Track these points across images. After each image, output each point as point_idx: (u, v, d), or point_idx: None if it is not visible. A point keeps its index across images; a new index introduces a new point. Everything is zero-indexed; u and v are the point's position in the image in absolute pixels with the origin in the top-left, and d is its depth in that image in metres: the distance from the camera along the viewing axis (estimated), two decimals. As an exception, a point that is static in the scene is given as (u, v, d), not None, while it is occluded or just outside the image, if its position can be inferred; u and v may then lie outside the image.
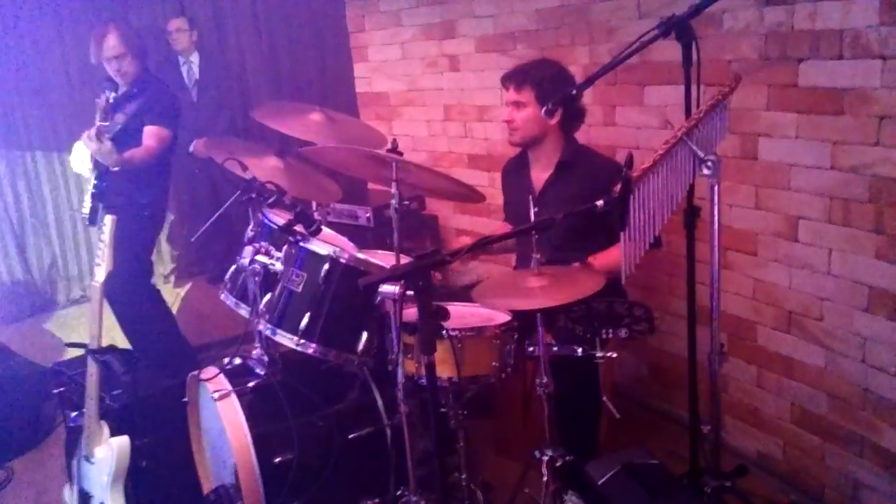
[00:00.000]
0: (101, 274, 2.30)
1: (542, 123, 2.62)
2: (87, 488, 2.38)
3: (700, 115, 1.96)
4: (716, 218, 2.00)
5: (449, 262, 1.68)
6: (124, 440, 2.30)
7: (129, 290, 3.33)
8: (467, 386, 2.28)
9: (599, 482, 1.94)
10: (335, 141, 2.65)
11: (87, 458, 2.34)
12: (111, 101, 3.07)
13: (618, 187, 1.78)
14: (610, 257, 2.50)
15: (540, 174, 2.76)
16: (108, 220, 2.27)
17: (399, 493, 2.35)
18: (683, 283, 2.19)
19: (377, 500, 2.39)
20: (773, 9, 2.48)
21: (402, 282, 1.74)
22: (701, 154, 1.94)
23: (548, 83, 2.57)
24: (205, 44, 5.01)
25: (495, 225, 3.76)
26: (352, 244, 2.63)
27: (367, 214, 4.09)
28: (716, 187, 1.97)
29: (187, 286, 5.20)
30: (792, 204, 2.56)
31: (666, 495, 1.93)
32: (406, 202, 2.31)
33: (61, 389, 2.79)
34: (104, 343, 2.37)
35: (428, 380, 1.72)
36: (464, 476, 2.42)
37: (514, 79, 2.65)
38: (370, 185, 4.76)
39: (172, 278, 5.27)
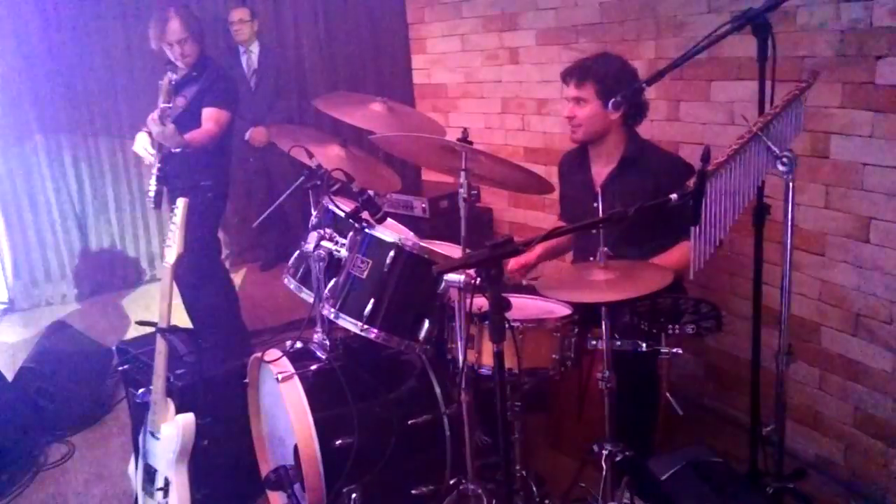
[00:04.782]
0: (171, 256, 2.35)
1: (604, 119, 2.60)
2: (151, 463, 2.43)
3: (776, 110, 1.93)
4: (789, 215, 1.96)
5: (522, 252, 1.68)
6: (190, 417, 2.35)
7: (197, 271, 3.40)
8: (526, 378, 2.29)
9: (663, 478, 1.93)
10: (396, 131, 2.66)
11: (153, 434, 2.40)
12: (173, 82, 3.13)
13: (692, 181, 1.76)
14: (670, 259, 2.48)
15: (601, 169, 2.74)
16: (181, 204, 2.32)
17: (453, 481, 2.36)
18: (745, 282, 2.16)
19: (432, 488, 2.41)
20: (850, 5, 2.42)
21: (474, 270, 1.74)
22: (776, 150, 1.92)
23: (610, 79, 2.54)
24: (264, 34, 5.08)
25: (550, 219, 3.75)
26: (412, 233, 2.65)
27: (423, 205, 4.11)
28: (790, 184, 1.93)
29: (240, 272, 5.29)
30: (864, 204, 2.50)
31: (731, 493, 1.91)
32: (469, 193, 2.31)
33: (125, 367, 2.85)
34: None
35: (496, 368, 1.72)
36: (518, 468, 2.43)
37: (574, 74, 2.61)
38: (425, 177, 4.79)
39: (227, 264, 5.36)
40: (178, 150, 3.20)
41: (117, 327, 4.23)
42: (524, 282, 2.75)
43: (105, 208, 5.14)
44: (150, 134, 3.36)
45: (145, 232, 5.32)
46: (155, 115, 3.07)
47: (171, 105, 3.08)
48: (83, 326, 4.01)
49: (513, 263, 2.75)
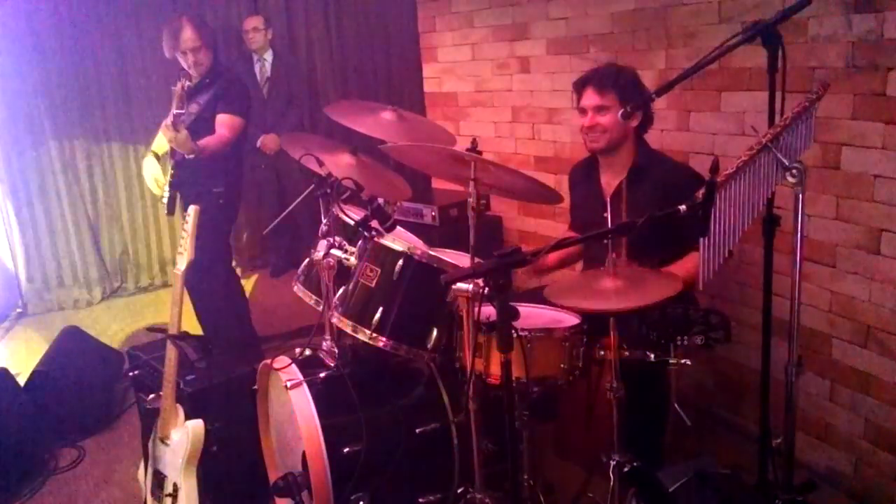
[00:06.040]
0: (182, 262, 2.37)
1: (623, 127, 2.59)
2: (161, 469, 2.45)
3: (787, 121, 1.93)
4: (799, 227, 1.95)
5: (530, 262, 1.69)
6: (199, 424, 2.36)
7: (208, 277, 3.41)
8: (534, 387, 2.28)
9: (671, 489, 1.93)
10: (407, 139, 2.67)
11: (163, 440, 2.42)
12: (186, 88, 3.16)
13: (701, 192, 1.76)
14: (679, 271, 2.48)
15: (611, 179, 2.74)
16: (193, 211, 2.34)
17: (461, 490, 2.36)
18: (755, 292, 2.15)
19: (439, 496, 2.40)
20: (862, 16, 2.42)
21: (482, 280, 1.75)
22: (786, 161, 1.91)
23: (630, 87, 2.55)
24: (277, 42, 5.11)
25: (560, 228, 3.75)
26: (422, 242, 2.66)
27: (433, 213, 4.12)
28: (800, 196, 1.93)
29: (251, 279, 5.31)
30: (875, 216, 2.49)
31: (739, 506, 1.91)
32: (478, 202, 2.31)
33: (136, 372, 2.87)
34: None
35: (504, 377, 1.73)
36: (526, 477, 2.42)
37: (595, 82, 2.60)
38: (435, 185, 4.80)
39: (238, 271, 5.38)
40: (191, 156, 3.22)
41: (128, 332, 4.26)
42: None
43: (118, 214, 5.18)
44: (157, 157, 3.40)
45: (157, 237, 5.36)
46: (168, 121, 3.09)
47: (184, 111, 3.10)
48: (95, 331, 4.03)
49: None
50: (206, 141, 3.29)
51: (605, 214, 2.37)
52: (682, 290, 2.03)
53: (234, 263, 5.25)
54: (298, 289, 2.61)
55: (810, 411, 2.84)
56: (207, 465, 2.44)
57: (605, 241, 2.14)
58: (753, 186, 1.94)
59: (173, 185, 3.33)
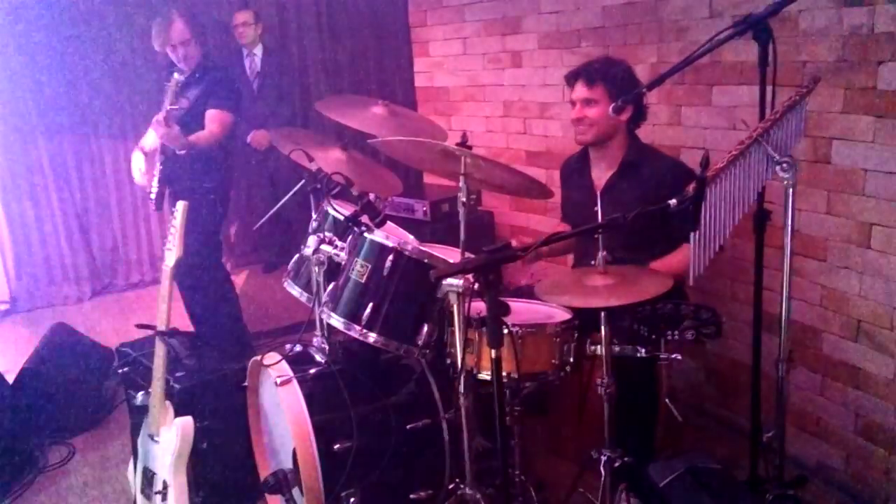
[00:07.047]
0: (171, 259, 2.35)
1: (612, 121, 2.58)
2: (150, 466, 2.43)
3: (777, 115, 1.92)
4: (789, 222, 1.95)
5: (520, 258, 1.68)
6: (188, 421, 2.35)
7: (198, 273, 3.40)
8: (525, 383, 2.28)
9: (661, 484, 1.92)
10: (398, 134, 2.66)
11: (152, 437, 2.40)
12: (179, 84, 3.14)
13: (692, 187, 1.75)
14: (670, 263, 2.47)
15: (602, 173, 2.73)
16: (181, 207, 2.32)
17: (452, 486, 2.35)
18: (746, 287, 2.15)
19: (430, 492, 2.40)
20: (852, 10, 2.42)
21: (471, 275, 1.74)
22: (776, 156, 1.91)
23: (619, 80, 2.54)
24: (268, 37, 5.08)
25: (552, 223, 3.75)
26: (413, 237, 2.65)
27: (424, 208, 4.10)
28: (790, 190, 1.93)
29: (242, 275, 5.29)
30: (865, 210, 2.49)
31: (730, 500, 1.91)
32: (469, 197, 2.30)
33: (125, 369, 2.85)
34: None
35: (494, 373, 1.72)
36: (518, 473, 2.42)
37: (584, 75, 2.60)
38: (426, 179, 4.79)
39: (228, 267, 5.35)
40: (181, 152, 3.20)
41: (119, 329, 4.22)
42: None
43: (107, 210, 5.14)
44: (144, 153, 3.37)
45: (147, 233, 5.32)
46: (160, 116, 3.07)
47: (176, 107, 3.08)
48: (85, 328, 4.00)
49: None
50: (197, 136, 3.27)
51: (596, 209, 2.36)
52: (673, 285, 2.04)
53: (224, 259, 5.27)
54: (289, 285, 2.59)
55: (801, 406, 2.85)
56: (197, 462, 2.43)
57: (595, 236, 2.14)
58: (744, 181, 1.94)
59: (162, 181, 3.31)
